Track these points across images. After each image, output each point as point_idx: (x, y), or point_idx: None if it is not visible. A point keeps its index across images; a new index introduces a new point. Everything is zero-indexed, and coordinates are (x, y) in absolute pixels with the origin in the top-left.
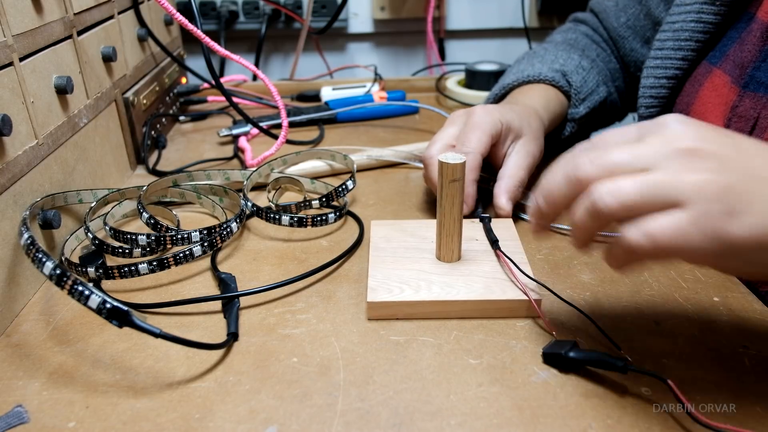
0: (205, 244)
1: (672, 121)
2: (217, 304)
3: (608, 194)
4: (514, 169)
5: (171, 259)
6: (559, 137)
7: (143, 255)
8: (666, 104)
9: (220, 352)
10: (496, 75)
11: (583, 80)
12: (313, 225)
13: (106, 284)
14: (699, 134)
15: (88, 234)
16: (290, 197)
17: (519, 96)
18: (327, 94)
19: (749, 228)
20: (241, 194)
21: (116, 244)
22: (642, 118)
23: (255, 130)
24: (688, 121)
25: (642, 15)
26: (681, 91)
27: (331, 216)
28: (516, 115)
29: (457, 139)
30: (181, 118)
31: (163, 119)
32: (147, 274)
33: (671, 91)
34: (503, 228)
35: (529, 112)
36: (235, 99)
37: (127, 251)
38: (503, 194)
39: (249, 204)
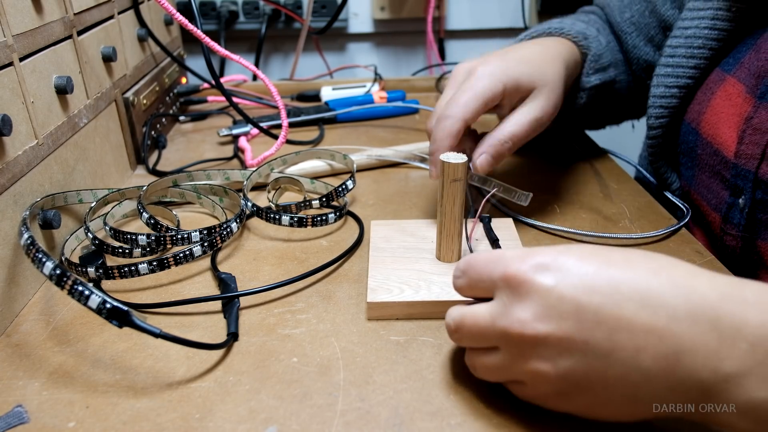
0: (205, 244)
1: (537, 284)
2: (217, 304)
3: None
4: (506, 125)
5: (171, 259)
6: (570, 109)
7: (143, 255)
8: (676, 113)
9: (220, 352)
10: None
11: (600, 52)
12: (313, 225)
13: (106, 284)
14: (555, 311)
15: (88, 234)
16: (290, 197)
17: (540, 43)
18: (327, 94)
19: (575, 408)
20: (241, 194)
21: (116, 244)
22: (652, 128)
23: (255, 130)
24: (552, 284)
25: (647, 12)
26: (692, 100)
27: (331, 216)
28: (529, 68)
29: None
30: (181, 118)
31: (163, 119)
32: (147, 274)
33: (681, 101)
34: (503, 228)
35: (551, 58)
36: (235, 99)
37: (127, 251)
38: (481, 149)
39: (249, 204)
